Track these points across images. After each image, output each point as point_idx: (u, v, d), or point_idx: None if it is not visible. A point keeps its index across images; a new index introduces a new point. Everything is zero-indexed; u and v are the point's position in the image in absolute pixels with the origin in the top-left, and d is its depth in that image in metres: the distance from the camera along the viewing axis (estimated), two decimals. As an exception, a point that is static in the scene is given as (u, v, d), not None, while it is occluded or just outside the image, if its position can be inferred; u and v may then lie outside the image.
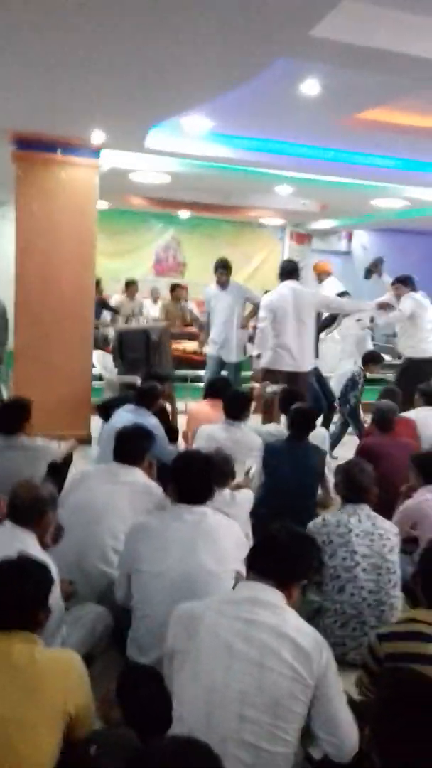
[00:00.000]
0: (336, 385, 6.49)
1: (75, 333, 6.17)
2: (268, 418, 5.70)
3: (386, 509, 3.28)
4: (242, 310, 6.68)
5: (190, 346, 8.47)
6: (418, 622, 2.03)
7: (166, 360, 6.65)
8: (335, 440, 6.10)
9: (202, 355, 7.25)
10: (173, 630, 1.96)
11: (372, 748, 1.39)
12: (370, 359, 6.32)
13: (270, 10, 3.05)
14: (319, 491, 3.99)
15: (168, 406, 5.20)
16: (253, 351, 5.93)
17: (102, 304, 9.67)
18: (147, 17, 3.24)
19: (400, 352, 6.98)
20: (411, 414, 5.09)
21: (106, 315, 9.96)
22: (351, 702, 1.97)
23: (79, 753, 1.80)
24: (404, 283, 6.72)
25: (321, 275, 7.56)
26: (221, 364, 6.65)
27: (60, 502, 3.16)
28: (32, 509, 2.48)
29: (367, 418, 5.80)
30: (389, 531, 2.93)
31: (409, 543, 3.37)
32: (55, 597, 2.23)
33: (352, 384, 6.17)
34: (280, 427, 4.55)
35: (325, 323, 6.87)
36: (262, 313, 5.67)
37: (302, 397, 4.73)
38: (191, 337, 8.85)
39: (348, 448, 5.53)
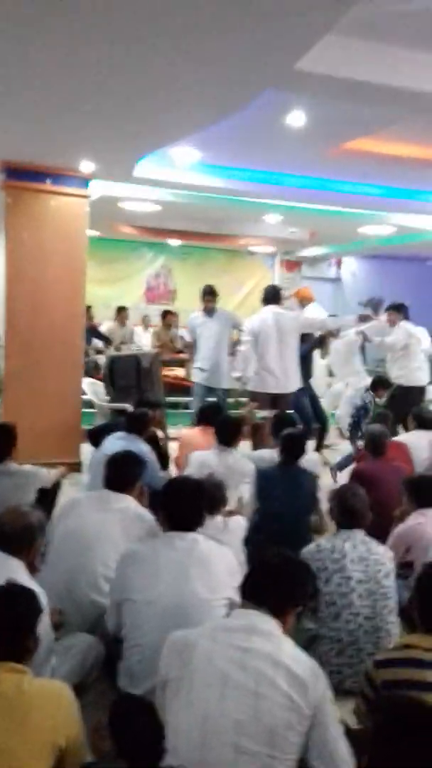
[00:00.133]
0: (344, 412, 6.48)
1: (65, 360, 6.17)
2: (256, 443, 5.72)
3: (380, 534, 3.25)
4: (230, 336, 6.71)
5: (181, 372, 8.48)
6: (415, 648, 2.00)
7: (157, 386, 6.64)
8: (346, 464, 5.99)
9: (191, 381, 7.25)
10: (166, 658, 1.92)
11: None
12: (380, 384, 6.32)
13: (256, 43, 3.12)
14: (314, 516, 3.97)
15: (159, 433, 5.18)
16: (234, 373, 6.15)
17: (93, 332, 9.69)
18: (136, 50, 3.31)
19: (391, 379, 7.01)
20: (403, 438, 5.10)
21: (97, 342, 9.97)
22: (348, 731, 1.93)
23: (69, 787, 1.75)
24: (398, 310, 6.80)
25: (303, 301, 7.57)
26: (208, 392, 6.58)
27: (50, 530, 3.13)
28: (21, 537, 2.45)
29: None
30: (384, 556, 2.90)
31: (404, 567, 3.34)
32: (45, 626, 2.18)
33: (364, 412, 6.13)
34: (273, 453, 4.53)
35: (315, 344, 6.90)
36: (244, 337, 5.92)
37: (293, 423, 4.74)
38: (182, 363, 8.86)
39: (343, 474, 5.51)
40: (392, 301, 7.05)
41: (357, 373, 7.46)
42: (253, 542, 3.42)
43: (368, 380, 7.75)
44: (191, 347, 6.86)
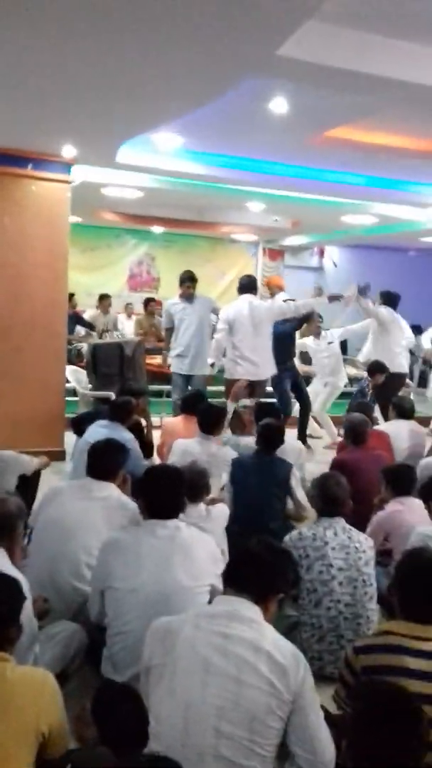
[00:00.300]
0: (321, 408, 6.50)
1: (47, 347, 6.12)
2: (235, 431, 5.80)
3: (360, 523, 3.29)
4: (209, 322, 6.70)
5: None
6: (395, 635, 2.03)
7: (140, 374, 6.62)
8: None
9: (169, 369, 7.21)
10: (149, 645, 1.93)
11: (347, 760, 1.39)
12: (376, 369, 6.36)
13: (237, 29, 3.10)
14: (291, 505, 4.01)
15: (143, 421, 5.17)
16: (208, 359, 6.26)
17: (76, 319, 9.62)
18: (117, 35, 3.27)
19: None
20: (384, 427, 5.15)
21: (80, 329, 9.91)
22: (328, 716, 1.96)
23: (53, 774, 1.76)
24: (387, 297, 6.85)
25: (273, 289, 7.56)
26: (187, 381, 6.53)
27: (32, 519, 3.12)
28: (1, 525, 2.44)
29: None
30: (364, 544, 2.94)
31: (383, 555, 3.39)
32: (27, 614, 2.18)
33: (361, 397, 6.18)
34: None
35: (298, 325, 6.93)
36: (219, 325, 6.03)
37: (275, 412, 4.77)
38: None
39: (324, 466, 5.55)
40: (377, 290, 7.09)
41: (338, 373, 7.51)
42: (229, 532, 3.43)
43: (346, 380, 7.81)
44: (168, 334, 6.82)
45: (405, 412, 5.22)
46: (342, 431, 4.88)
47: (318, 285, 8.38)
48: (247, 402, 5.86)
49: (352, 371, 8.54)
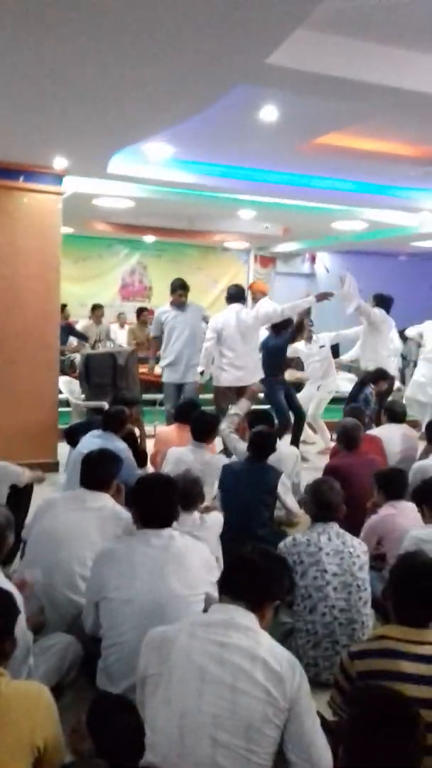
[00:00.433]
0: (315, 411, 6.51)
1: (40, 358, 6.12)
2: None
3: (354, 528, 3.30)
4: (201, 329, 6.72)
5: (158, 369, 8.44)
6: (389, 639, 2.03)
7: (133, 384, 6.61)
8: None
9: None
10: (145, 655, 1.93)
11: (344, 765, 1.38)
12: (380, 376, 6.40)
13: (227, 38, 3.13)
14: (282, 511, 4.01)
15: (136, 431, 5.17)
16: (198, 367, 6.37)
17: (68, 330, 9.62)
18: (108, 46, 3.29)
19: (361, 365, 7.15)
20: (377, 431, 5.16)
21: (73, 340, 9.90)
22: (324, 722, 1.95)
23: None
24: (381, 299, 6.89)
25: (256, 294, 7.52)
26: (179, 390, 6.51)
27: (26, 531, 3.11)
28: None
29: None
30: (358, 549, 2.94)
31: (377, 560, 3.40)
32: (21, 627, 2.17)
33: (365, 404, 6.20)
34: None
35: (291, 338, 6.94)
36: (208, 334, 6.21)
37: (269, 419, 4.79)
38: (158, 360, 8.82)
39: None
40: (368, 295, 7.11)
41: (329, 377, 7.53)
42: (221, 538, 3.43)
43: (339, 384, 7.83)
44: (155, 342, 6.82)
45: (397, 416, 5.24)
46: (335, 436, 4.89)
47: (308, 291, 8.40)
48: (237, 409, 5.89)
49: (347, 376, 8.57)
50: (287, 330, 6.60)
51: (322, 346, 7.46)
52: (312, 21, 3.11)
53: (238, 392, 5.97)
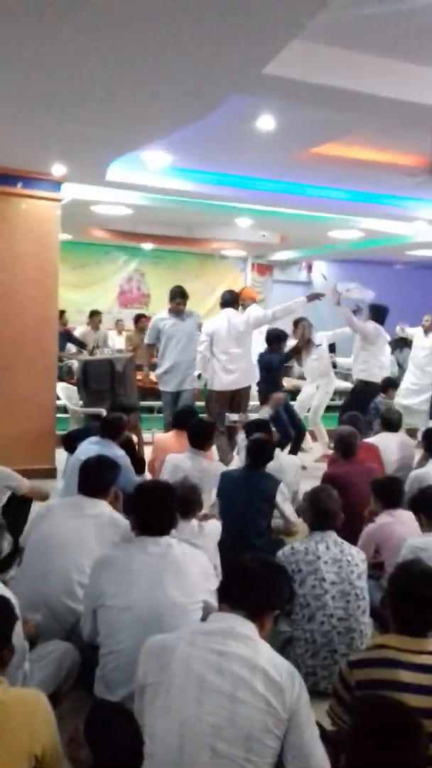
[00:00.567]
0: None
1: (38, 365, 6.12)
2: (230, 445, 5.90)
3: (352, 537, 3.29)
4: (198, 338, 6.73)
5: (152, 376, 8.43)
6: (388, 648, 2.02)
7: (131, 390, 6.62)
8: None
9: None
10: (144, 663, 1.92)
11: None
12: (389, 384, 6.46)
13: (224, 48, 3.15)
14: (280, 519, 4.01)
15: (134, 437, 5.17)
16: (194, 371, 6.43)
17: (67, 336, 9.62)
18: (106, 54, 3.31)
19: (353, 374, 7.20)
20: (374, 439, 5.16)
21: (71, 346, 9.90)
22: (323, 732, 1.95)
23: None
24: (373, 310, 6.92)
25: (245, 300, 7.49)
26: (176, 398, 6.44)
27: (23, 537, 3.10)
28: None
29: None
30: (356, 557, 2.94)
31: (375, 568, 3.39)
32: (17, 633, 2.16)
33: (375, 412, 6.23)
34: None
35: (288, 356, 6.96)
36: (201, 338, 6.31)
37: (266, 427, 4.78)
38: (153, 368, 8.81)
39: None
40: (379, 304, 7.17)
41: (327, 376, 7.55)
42: (219, 546, 3.42)
43: (337, 383, 7.86)
44: (150, 349, 6.79)
45: (392, 424, 5.25)
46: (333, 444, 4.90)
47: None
48: (235, 417, 5.91)
49: (343, 384, 8.58)
50: (281, 345, 6.63)
51: (318, 345, 7.47)
52: (308, 32, 3.14)
53: (233, 396, 6.06)
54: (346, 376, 8.97)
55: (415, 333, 8.09)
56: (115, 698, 2.29)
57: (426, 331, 7.96)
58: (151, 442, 5.56)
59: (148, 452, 5.25)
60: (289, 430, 6.31)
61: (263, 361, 6.56)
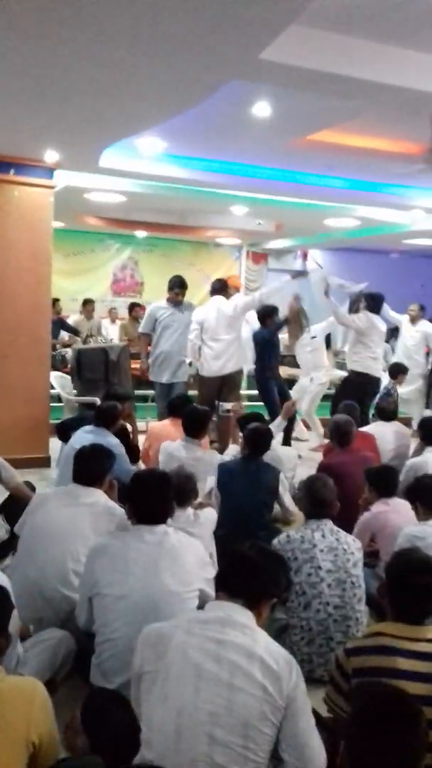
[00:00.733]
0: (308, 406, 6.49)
1: (31, 353, 6.09)
2: (222, 437, 6.02)
3: (348, 526, 3.30)
4: None
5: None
6: (385, 636, 2.03)
7: (125, 379, 6.58)
8: None
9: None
10: (141, 651, 1.91)
11: (345, 763, 1.38)
12: (399, 370, 6.50)
13: (220, 33, 3.11)
14: (280, 509, 4.01)
15: (128, 426, 5.15)
16: (185, 359, 6.44)
17: (60, 324, 9.58)
18: (100, 40, 3.26)
19: (347, 365, 7.22)
20: (370, 428, 5.17)
21: (64, 335, 9.86)
22: (319, 719, 1.95)
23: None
24: (369, 299, 6.90)
25: (230, 290, 7.35)
26: (170, 389, 6.44)
27: (18, 526, 3.09)
28: None
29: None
30: (352, 545, 2.94)
31: (370, 556, 3.40)
32: (13, 620, 2.16)
33: (387, 397, 6.28)
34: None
35: (278, 327, 6.99)
36: (192, 326, 6.30)
37: (261, 418, 4.78)
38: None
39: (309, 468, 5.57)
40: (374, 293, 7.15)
41: (322, 368, 7.54)
42: (216, 537, 3.42)
43: (334, 372, 7.87)
44: (145, 338, 6.76)
45: (386, 414, 5.26)
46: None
47: (297, 295, 8.47)
48: (229, 406, 5.91)
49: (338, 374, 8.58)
50: (272, 318, 6.66)
51: (314, 337, 7.46)
52: (306, 17, 3.11)
53: (223, 381, 6.12)
54: (341, 365, 8.98)
55: (401, 320, 8.08)
56: (111, 686, 2.29)
57: (413, 321, 7.98)
58: (146, 431, 5.55)
59: (141, 441, 5.24)
60: (279, 412, 6.34)
61: (258, 337, 6.64)
